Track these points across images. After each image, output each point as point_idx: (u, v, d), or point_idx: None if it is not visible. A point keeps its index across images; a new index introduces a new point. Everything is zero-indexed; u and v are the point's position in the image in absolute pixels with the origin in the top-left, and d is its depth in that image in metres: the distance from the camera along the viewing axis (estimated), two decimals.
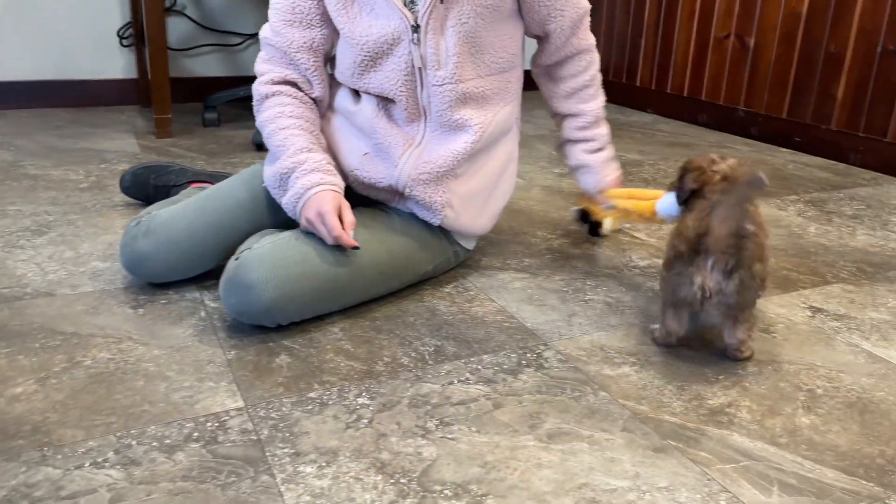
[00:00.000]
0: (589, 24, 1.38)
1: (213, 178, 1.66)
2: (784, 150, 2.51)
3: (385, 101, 1.25)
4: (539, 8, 1.26)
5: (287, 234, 1.17)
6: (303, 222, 1.17)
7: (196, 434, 0.91)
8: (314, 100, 1.29)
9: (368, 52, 1.20)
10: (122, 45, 2.80)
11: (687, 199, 1.15)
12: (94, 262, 1.41)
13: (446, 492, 0.82)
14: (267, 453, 0.88)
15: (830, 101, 2.38)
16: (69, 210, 1.70)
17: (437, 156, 1.23)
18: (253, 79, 3.02)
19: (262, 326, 1.16)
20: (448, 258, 1.34)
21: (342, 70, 1.26)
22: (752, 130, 2.65)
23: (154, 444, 0.89)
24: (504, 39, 1.24)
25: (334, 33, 1.26)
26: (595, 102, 1.40)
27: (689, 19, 2.86)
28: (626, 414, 0.98)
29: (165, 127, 2.36)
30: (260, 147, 2.28)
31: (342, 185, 1.21)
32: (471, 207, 1.28)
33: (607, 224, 1.55)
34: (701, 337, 1.19)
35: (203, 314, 1.22)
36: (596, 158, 1.40)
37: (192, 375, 1.04)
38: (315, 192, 1.17)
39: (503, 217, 1.70)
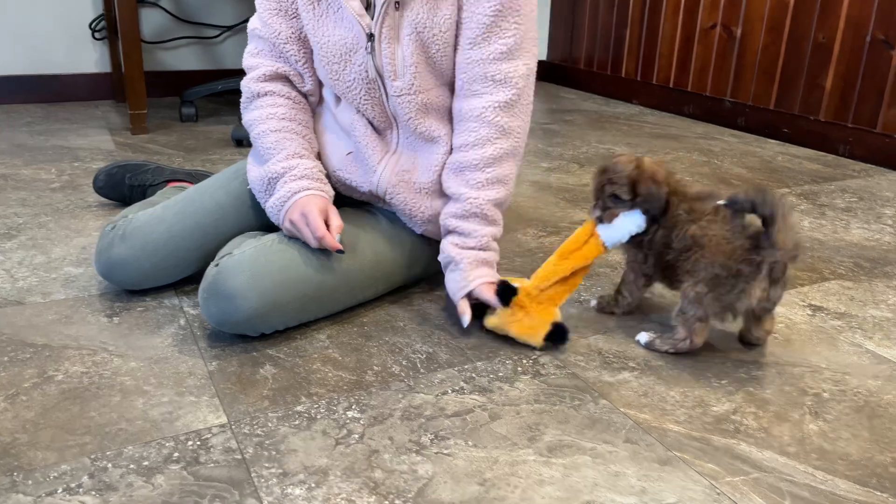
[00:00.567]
0: (517, 105, 1.11)
1: (192, 177, 1.60)
2: (772, 141, 2.48)
3: None
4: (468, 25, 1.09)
5: (270, 238, 1.12)
6: (286, 226, 1.11)
7: (176, 454, 0.85)
8: (305, 94, 1.23)
9: (329, 57, 1.14)
10: (94, 37, 2.71)
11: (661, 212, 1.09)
12: (66, 268, 1.34)
13: None
14: (252, 474, 0.82)
15: (819, 92, 2.35)
16: (40, 211, 1.63)
17: (415, 169, 1.18)
18: (231, 72, 2.95)
19: (244, 335, 1.10)
20: (436, 259, 1.29)
21: (318, 69, 1.20)
22: (740, 121, 2.62)
23: (131, 466, 0.83)
24: None
25: None
26: (484, 192, 1.11)
27: (674, 10, 2.82)
28: (629, 423, 0.94)
29: (141, 123, 2.29)
30: (239, 143, 2.21)
31: (332, 193, 1.16)
32: None
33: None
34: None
35: (182, 322, 1.16)
36: (466, 255, 1.12)
37: (172, 389, 0.98)
38: (302, 195, 1.11)
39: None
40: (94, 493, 0.79)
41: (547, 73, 3.53)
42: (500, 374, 1.04)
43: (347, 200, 1.26)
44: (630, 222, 1.12)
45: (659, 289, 1.30)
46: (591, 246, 1.13)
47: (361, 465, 0.84)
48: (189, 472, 0.82)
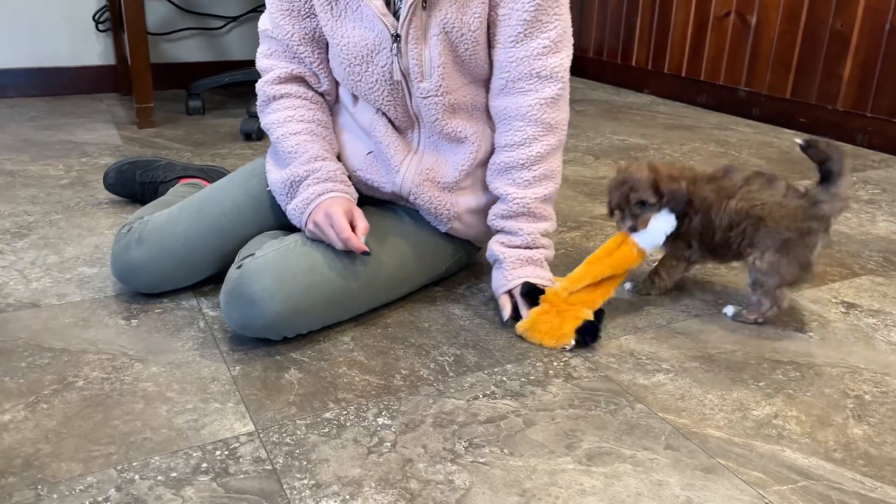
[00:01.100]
0: (562, 98, 1.09)
1: (204, 173, 1.57)
2: (788, 131, 2.45)
3: None
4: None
5: (293, 240, 1.08)
6: (310, 228, 1.08)
7: (205, 465, 0.83)
8: (323, 94, 1.19)
9: (350, 58, 1.10)
10: (98, 29, 2.67)
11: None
12: (80, 268, 1.31)
13: None
14: (284, 485, 0.80)
15: (836, 81, 2.32)
16: (50, 209, 1.60)
17: (439, 167, 1.15)
18: (237, 64, 2.91)
19: (267, 338, 1.07)
20: (460, 258, 1.26)
21: (335, 70, 1.16)
22: (754, 111, 2.59)
23: (159, 477, 0.81)
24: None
25: None
26: (531, 190, 1.10)
27: None
28: (668, 429, 0.91)
29: (147, 116, 2.25)
30: (248, 137, 2.18)
31: (356, 195, 1.13)
32: (480, 220, 1.20)
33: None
34: (732, 337, 1.12)
35: (202, 324, 1.13)
36: (509, 253, 1.11)
37: (196, 395, 0.95)
38: (326, 197, 1.08)
39: None
40: None
41: None
42: (532, 377, 1.01)
43: (369, 199, 1.23)
44: (663, 223, 1.12)
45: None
46: (625, 253, 1.11)
47: (396, 476, 0.82)
48: (219, 484, 0.80)
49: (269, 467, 0.83)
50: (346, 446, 0.86)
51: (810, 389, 1.00)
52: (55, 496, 0.78)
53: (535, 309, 1.08)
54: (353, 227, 1.07)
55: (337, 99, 1.22)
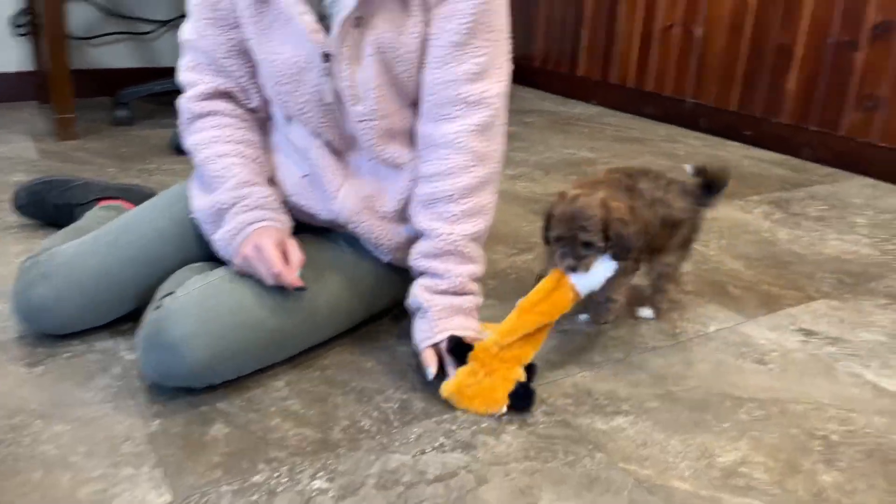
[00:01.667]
0: (493, 127, 0.99)
1: (126, 193, 1.44)
2: (734, 143, 2.44)
3: None
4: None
5: (218, 275, 0.98)
6: (238, 262, 0.98)
7: None
8: (254, 111, 1.09)
9: (277, 76, 1.00)
10: (16, 34, 2.49)
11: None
12: None
13: None
14: None
15: (781, 94, 2.31)
16: None
17: (380, 194, 1.06)
18: (168, 70, 2.75)
19: (190, 387, 0.96)
20: (405, 289, 1.17)
21: (264, 86, 1.05)
22: (702, 123, 2.57)
23: None
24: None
25: None
26: (460, 227, 0.99)
27: (632, 8, 2.75)
28: (630, 482, 0.84)
29: (68, 127, 2.10)
30: (180, 150, 2.04)
31: (290, 223, 1.03)
32: None
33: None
34: (691, 370, 1.07)
35: (117, 370, 1.02)
36: (436, 301, 0.98)
37: (105, 459, 0.84)
38: (255, 227, 0.98)
39: None
40: None
41: None
42: (483, 424, 0.93)
43: (306, 226, 1.13)
44: (604, 268, 1.03)
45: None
46: (561, 297, 0.99)
47: None
48: None
49: None
50: None
51: (776, 430, 0.94)
52: None
53: (463, 369, 0.95)
54: (286, 259, 0.97)
55: (270, 116, 1.12)
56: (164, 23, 2.70)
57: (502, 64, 1.00)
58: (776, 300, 1.31)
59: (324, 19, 0.97)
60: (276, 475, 0.83)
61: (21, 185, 1.47)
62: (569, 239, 1.00)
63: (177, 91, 1.11)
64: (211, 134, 1.05)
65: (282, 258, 0.96)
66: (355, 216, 1.05)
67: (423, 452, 0.87)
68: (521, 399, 0.94)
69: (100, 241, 1.06)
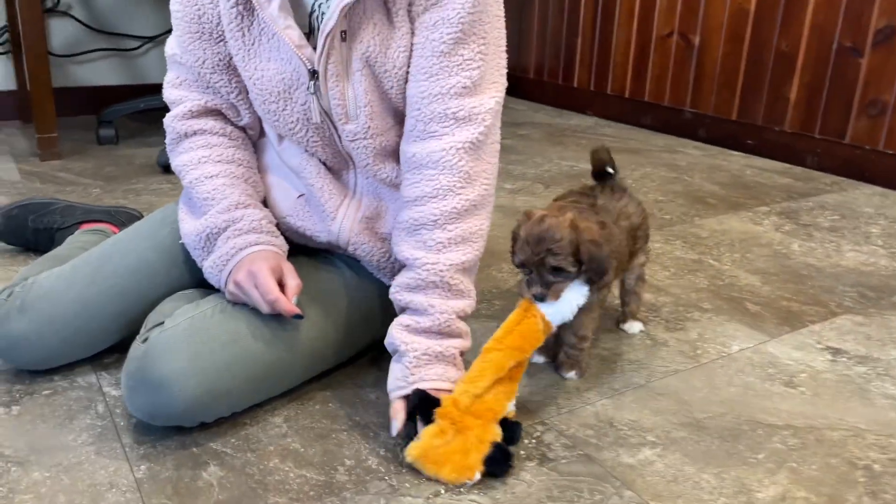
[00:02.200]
0: (484, 145, 0.90)
1: (111, 216, 1.37)
2: (736, 153, 2.39)
3: None
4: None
5: (209, 305, 0.91)
6: (230, 290, 0.91)
7: None
8: (245, 129, 1.02)
9: (265, 95, 0.93)
10: None
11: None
12: None
13: None
14: None
15: (783, 102, 2.27)
16: None
17: (381, 215, 0.99)
18: (155, 87, 2.68)
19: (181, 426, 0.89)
20: None
21: (253, 102, 0.98)
22: (701, 133, 2.52)
23: None
24: None
25: None
26: (446, 256, 0.88)
27: (628, 17, 2.71)
28: None
29: (51, 147, 2.02)
30: (167, 169, 1.97)
31: (285, 246, 0.96)
32: None
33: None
34: (718, 396, 1.00)
35: (101, 408, 0.94)
36: (414, 344, 0.87)
37: None
38: (249, 252, 0.91)
39: None
40: None
41: None
42: None
43: (302, 248, 1.06)
44: (576, 294, 0.93)
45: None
46: (530, 328, 0.89)
47: None
48: None
49: None
50: None
51: (814, 460, 0.88)
52: None
53: (429, 429, 0.82)
54: (282, 287, 0.90)
55: (262, 133, 1.06)
56: (150, 38, 2.63)
57: (497, 78, 0.92)
58: (797, 317, 1.25)
59: (311, 35, 0.90)
60: None
61: None
62: (536, 264, 0.90)
63: (164, 108, 1.04)
64: (199, 154, 0.98)
65: (277, 285, 0.89)
66: (355, 237, 0.98)
67: (437, 495, 0.80)
68: (498, 464, 0.82)
69: (79, 271, 0.99)
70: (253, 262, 0.90)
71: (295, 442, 0.88)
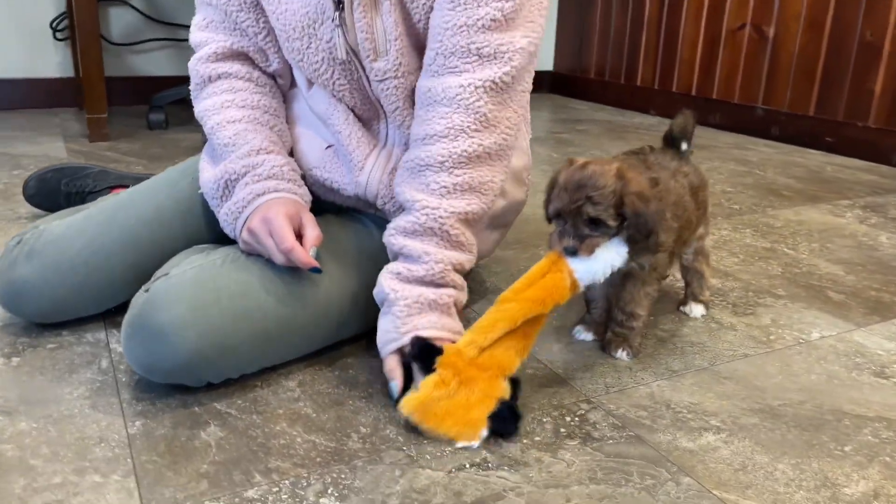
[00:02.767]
0: (509, 89, 0.81)
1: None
2: (813, 151, 2.22)
3: None
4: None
5: (220, 255, 0.83)
6: (244, 237, 0.83)
7: None
8: (274, 76, 0.95)
9: (288, 31, 0.86)
10: (55, 38, 2.44)
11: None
12: None
13: None
14: None
15: (867, 96, 2.09)
16: None
17: None
18: None
19: (184, 384, 0.81)
20: None
21: (279, 41, 0.91)
22: (774, 131, 2.36)
23: None
24: None
25: None
26: (449, 202, 0.79)
27: (696, 11, 2.57)
28: None
29: (100, 128, 2.01)
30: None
31: (308, 197, 0.88)
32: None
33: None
34: (795, 383, 0.86)
35: (105, 364, 0.87)
36: (405, 291, 0.78)
37: (70, 463, 0.69)
38: (267, 198, 0.83)
39: (510, 230, 1.37)
40: None
41: (554, 84, 3.27)
42: (537, 437, 0.75)
43: (328, 206, 0.97)
44: (613, 254, 0.81)
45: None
46: (555, 282, 0.78)
47: None
48: None
49: None
50: None
51: None
52: None
53: (428, 379, 0.73)
54: (300, 238, 0.82)
55: (293, 84, 0.98)
56: None
57: (534, 17, 0.81)
58: (889, 307, 1.10)
59: None
60: (274, 490, 0.66)
61: (32, 173, 1.36)
62: (572, 213, 0.79)
63: None
64: (223, 98, 0.91)
65: (294, 234, 0.80)
66: (385, 190, 0.89)
67: (460, 469, 0.69)
68: (505, 422, 0.73)
69: (92, 219, 0.92)
70: (269, 209, 0.82)
71: (307, 407, 0.79)
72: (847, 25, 2.12)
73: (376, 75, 0.85)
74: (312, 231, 0.82)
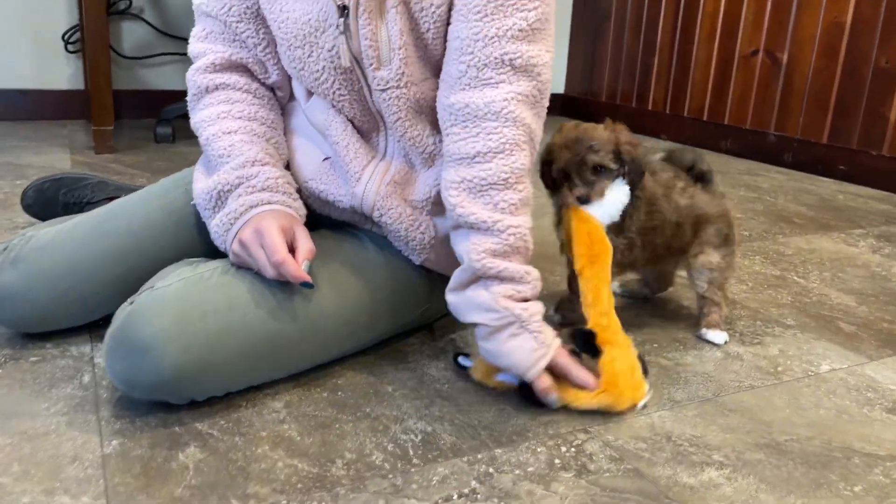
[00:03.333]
0: (539, 104, 0.82)
1: None
2: (826, 179, 2.18)
3: None
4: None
5: (209, 268, 0.81)
6: (234, 250, 0.80)
7: None
8: (273, 89, 0.94)
9: (290, 39, 0.84)
10: (67, 50, 2.45)
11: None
12: None
13: None
14: None
15: (882, 124, 2.06)
16: None
17: (410, 181, 0.89)
18: None
19: (168, 402, 0.78)
20: (441, 301, 0.97)
21: (279, 50, 0.90)
22: (786, 157, 2.32)
23: None
24: None
25: None
26: (522, 219, 0.80)
27: (709, 36, 2.56)
28: None
29: (106, 140, 2.00)
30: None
31: (303, 210, 0.86)
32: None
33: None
34: (803, 417, 0.83)
35: (86, 379, 0.84)
36: (530, 311, 0.79)
37: (41, 483, 0.66)
38: (260, 210, 0.81)
39: None
40: None
41: (565, 107, 3.26)
42: (530, 468, 0.71)
43: (324, 221, 0.95)
44: (620, 193, 0.90)
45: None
46: (597, 230, 0.88)
47: None
48: None
49: None
50: None
51: None
52: None
53: (606, 361, 0.82)
54: (293, 252, 0.79)
55: (292, 96, 0.96)
56: None
57: (552, 32, 0.82)
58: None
59: None
60: None
61: (30, 183, 1.34)
62: (576, 164, 0.88)
63: None
64: (219, 109, 0.89)
65: (286, 246, 0.78)
66: (381, 201, 0.86)
67: (447, 499, 0.66)
68: (645, 373, 0.85)
69: (79, 227, 0.90)
70: (262, 220, 0.80)
71: (292, 429, 0.76)
72: (862, 52, 2.09)
73: (378, 84, 0.83)
74: (305, 244, 0.80)
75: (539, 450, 0.74)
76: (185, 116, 2.44)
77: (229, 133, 0.88)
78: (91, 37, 1.91)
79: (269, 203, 0.82)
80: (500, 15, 0.78)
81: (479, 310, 0.79)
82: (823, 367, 0.96)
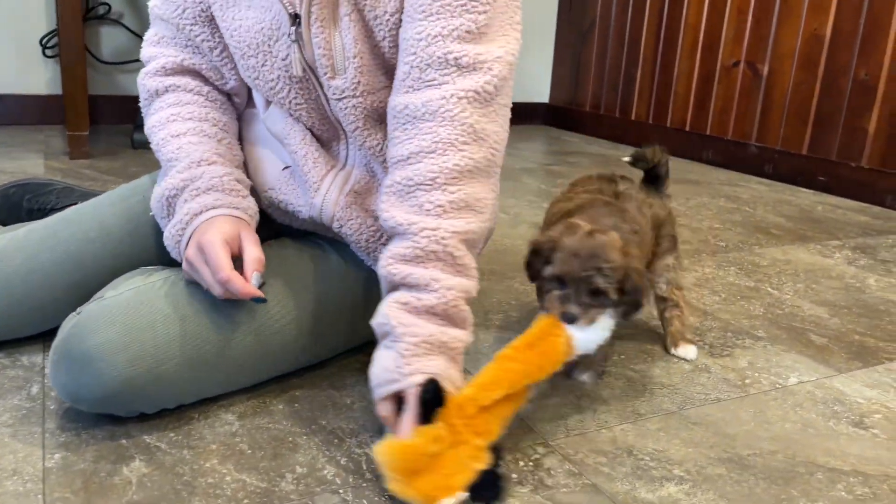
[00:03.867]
0: (493, 101, 0.76)
1: None
2: (805, 190, 2.18)
3: None
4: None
5: (161, 277, 0.79)
6: (185, 267, 0.78)
7: None
8: (229, 95, 0.92)
9: (243, 48, 0.82)
10: (45, 55, 2.43)
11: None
12: None
13: None
14: None
15: (861, 136, 2.06)
16: None
17: (371, 190, 0.86)
18: None
19: (115, 415, 0.76)
20: None
21: (234, 58, 0.88)
22: (767, 168, 2.33)
23: None
24: None
25: None
26: (449, 222, 0.72)
27: (692, 46, 2.56)
28: None
29: (81, 146, 1.98)
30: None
31: (253, 209, 0.83)
32: None
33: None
34: (768, 431, 0.81)
35: (35, 390, 0.82)
36: (414, 326, 0.70)
37: None
38: (206, 218, 0.79)
39: (482, 260, 1.33)
40: None
41: (549, 116, 3.26)
42: None
43: (286, 230, 0.93)
44: (607, 327, 0.78)
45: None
46: (553, 349, 0.73)
47: None
48: None
49: None
50: None
51: None
52: None
53: (427, 431, 0.65)
54: (240, 260, 0.77)
55: (252, 102, 0.94)
56: None
57: (508, 31, 0.77)
58: (872, 353, 1.05)
59: None
60: None
61: None
62: (578, 281, 0.75)
63: None
64: (169, 113, 0.87)
65: (231, 260, 0.75)
66: (341, 211, 0.85)
67: None
68: (489, 489, 0.66)
69: (32, 235, 0.88)
70: (204, 233, 0.76)
71: (243, 442, 0.74)
72: (841, 65, 2.10)
73: (334, 93, 0.81)
74: (252, 252, 0.76)
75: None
76: None
77: (177, 136, 0.85)
78: (66, 41, 1.89)
79: (214, 208, 0.80)
80: (447, 14, 0.74)
81: (377, 313, 0.74)
82: (791, 380, 0.95)
